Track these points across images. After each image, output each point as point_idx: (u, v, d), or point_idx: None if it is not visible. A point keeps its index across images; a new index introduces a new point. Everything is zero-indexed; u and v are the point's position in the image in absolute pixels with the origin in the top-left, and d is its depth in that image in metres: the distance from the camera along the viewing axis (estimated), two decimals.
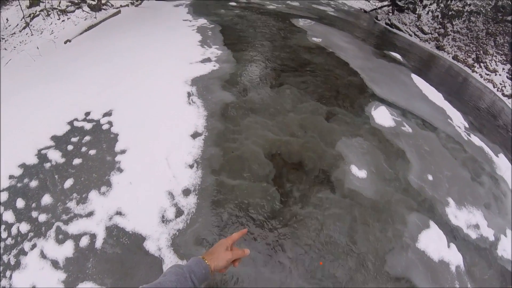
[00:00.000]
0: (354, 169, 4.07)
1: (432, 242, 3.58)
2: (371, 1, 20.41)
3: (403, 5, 15.83)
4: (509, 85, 10.81)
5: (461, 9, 13.84)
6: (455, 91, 8.80)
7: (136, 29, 8.52)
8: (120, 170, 3.75)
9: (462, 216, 4.13)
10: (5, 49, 8.22)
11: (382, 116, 5.38)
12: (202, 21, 9.31)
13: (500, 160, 5.87)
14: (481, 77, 11.53)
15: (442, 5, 14.56)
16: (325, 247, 3.23)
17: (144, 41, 7.42)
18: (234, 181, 3.70)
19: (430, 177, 4.46)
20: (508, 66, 11.32)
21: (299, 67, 6.65)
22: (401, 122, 5.39)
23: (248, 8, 11.82)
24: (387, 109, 5.62)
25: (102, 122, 4.50)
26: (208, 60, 6.42)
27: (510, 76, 11.06)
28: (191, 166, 3.83)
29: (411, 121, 5.60)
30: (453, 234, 3.82)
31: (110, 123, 4.48)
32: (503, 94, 10.60)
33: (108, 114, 4.65)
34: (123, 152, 4.00)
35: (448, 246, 3.67)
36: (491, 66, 11.69)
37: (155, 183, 3.63)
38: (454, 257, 3.57)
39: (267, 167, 3.93)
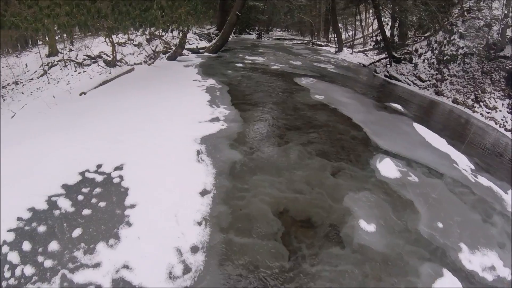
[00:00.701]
0: (363, 224, 4.22)
1: None
2: (369, 55, 21.47)
3: (399, 56, 16.66)
4: (510, 119, 11.00)
5: (455, 53, 14.48)
6: (458, 134, 9.01)
7: (148, 87, 9.10)
8: (129, 224, 3.88)
9: (476, 260, 4.16)
10: (22, 93, 8.77)
11: (387, 168, 5.58)
12: (210, 81, 9.89)
13: (510, 197, 5.93)
14: (482, 116, 11.78)
15: (436, 52, 15.28)
16: None
17: (155, 99, 7.92)
18: (242, 239, 3.83)
19: (440, 225, 4.55)
20: (507, 101, 11.58)
21: (303, 125, 7.02)
22: (407, 172, 5.58)
23: (254, 68, 12.60)
24: (392, 161, 5.83)
25: (113, 176, 4.72)
26: (216, 119, 6.83)
27: (511, 111, 11.29)
28: (199, 224, 3.98)
29: (417, 170, 5.79)
30: (468, 279, 3.84)
31: (121, 177, 4.70)
32: (505, 129, 10.75)
33: (119, 168, 4.90)
34: (132, 206, 4.16)
35: None
36: (491, 103, 11.98)
37: (163, 239, 3.73)
38: None
39: (275, 224, 4.11)
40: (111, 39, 11.19)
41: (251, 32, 33.45)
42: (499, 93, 11.97)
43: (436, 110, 11.48)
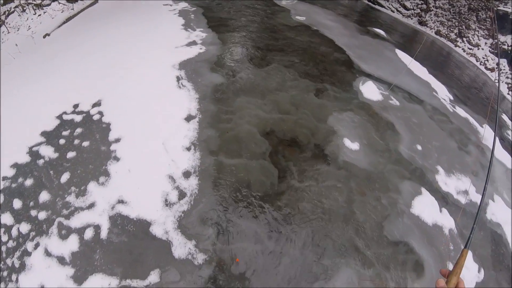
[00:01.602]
0: (347, 142, 4.14)
1: (426, 208, 3.71)
2: None
3: None
4: (491, 59, 11.00)
5: None
6: (439, 65, 8.93)
7: (116, 19, 8.34)
8: (116, 159, 3.73)
9: (451, 183, 4.27)
10: None
11: (370, 91, 5.44)
12: (183, 4, 9.10)
13: (485, 131, 6.03)
14: (464, 51, 11.69)
15: None
16: (325, 217, 3.31)
17: (125, 30, 7.29)
18: (232, 161, 3.74)
19: (419, 147, 4.57)
20: (490, 40, 11.49)
21: (285, 46, 6.62)
22: (389, 96, 5.48)
23: None
24: (375, 84, 5.69)
25: (92, 113, 4.44)
26: (193, 43, 6.33)
27: (493, 50, 11.24)
28: (188, 149, 3.84)
29: (398, 94, 5.69)
30: (444, 199, 3.95)
31: (100, 113, 4.43)
32: (486, 68, 10.79)
33: (97, 104, 4.59)
34: (117, 140, 3.97)
35: (440, 211, 3.81)
36: (474, 40, 11.85)
37: (154, 168, 3.62)
38: (446, 221, 3.71)
39: (263, 145, 3.96)
40: None
41: None
42: (483, 32, 11.80)
43: (419, 40, 11.23)
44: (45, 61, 6.27)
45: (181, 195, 3.37)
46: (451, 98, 6.76)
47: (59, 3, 9.83)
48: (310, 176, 3.66)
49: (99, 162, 3.69)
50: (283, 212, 3.29)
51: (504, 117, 7.69)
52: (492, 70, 10.76)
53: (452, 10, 13.18)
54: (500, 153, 5.69)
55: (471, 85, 8.51)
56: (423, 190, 3.90)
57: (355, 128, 4.43)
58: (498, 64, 10.65)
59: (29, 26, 8.87)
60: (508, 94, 9.61)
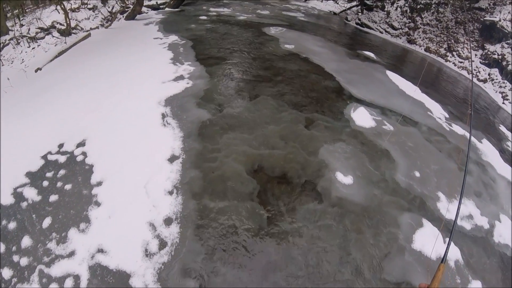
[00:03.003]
0: (340, 176, 3.97)
1: (428, 240, 3.48)
2: (339, 3, 20.72)
3: (371, 3, 16.08)
4: (483, 70, 10.99)
5: (429, 1, 14.11)
6: (431, 82, 8.87)
7: (106, 53, 8.36)
8: (97, 204, 3.60)
9: (454, 209, 4.04)
10: None
11: (362, 117, 5.33)
12: (173, 37, 9.17)
13: (484, 146, 5.89)
14: (455, 65, 11.72)
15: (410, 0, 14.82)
16: (319, 262, 3.10)
17: (115, 64, 7.26)
18: (217, 204, 3.56)
19: (417, 174, 4.40)
20: (480, 51, 11.52)
21: (274, 76, 6.57)
22: (382, 121, 5.35)
23: (219, 20, 11.80)
24: (366, 110, 5.58)
25: (76, 154, 4.35)
26: (181, 77, 6.27)
27: (483, 61, 11.25)
28: (170, 193, 3.68)
29: (391, 118, 5.57)
30: (447, 228, 3.73)
31: (84, 153, 4.33)
32: (478, 79, 10.76)
33: (81, 144, 4.50)
34: (99, 184, 3.85)
35: (444, 242, 3.58)
36: (464, 53, 11.90)
37: (135, 214, 3.46)
38: (451, 252, 3.48)
39: (250, 184, 3.80)
40: (62, 6, 10.01)
41: None
42: (472, 44, 11.85)
43: (409, 58, 11.29)
44: (34, 96, 6.23)
45: (162, 244, 3.19)
46: (447, 116, 6.63)
47: (53, 36, 9.96)
48: (302, 217, 3.47)
49: (80, 207, 3.58)
50: (273, 259, 3.09)
51: (503, 128, 7.54)
52: (484, 81, 10.73)
53: (440, 25, 13.34)
54: (501, 167, 5.49)
55: (465, 100, 8.41)
56: (424, 221, 3.70)
57: (347, 160, 4.27)
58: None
59: (23, 59, 8.91)
60: (503, 103, 9.51)
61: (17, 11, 10.77)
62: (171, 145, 4.37)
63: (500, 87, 10.14)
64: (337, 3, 20.83)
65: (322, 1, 21.78)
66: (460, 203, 2.70)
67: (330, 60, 8.14)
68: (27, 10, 12.00)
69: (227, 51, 8.00)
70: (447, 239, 3.57)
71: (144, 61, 7.33)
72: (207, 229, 3.31)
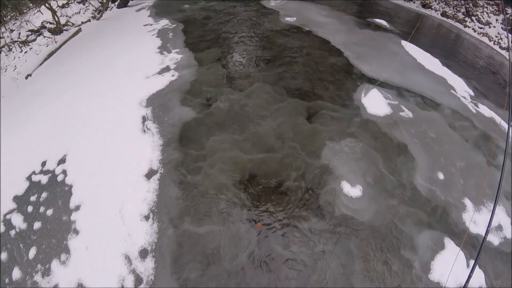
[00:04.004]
0: (346, 187, 3.27)
1: (448, 267, 2.81)
2: None
3: None
4: (505, 36, 9.88)
5: None
6: (451, 52, 7.91)
7: (94, 48, 7.76)
8: (76, 231, 3.33)
9: (482, 220, 3.39)
10: None
11: (375, 103, 4.54)
12: (163, 22, 8.45)
13: None
14: (475, 31, 10.58)
15: None
16: None
17: (100, 62, 6.69)
18: (199, 228, 3.00)
19: (440, 176, 3.68)
20: (502, 16, 10.34)
21: (273, 57, 5.76)
22: (398, 106, 4.56)
23: None
24: (380, 92, 4.78)
25: (57, 172, 4.07)
26: (166, 69, 5.59)
27: (505, 27, 10.10)
28: (146, 218, 3.17)
29: (410, 101, 4.77)
30: (473, 245, 3.05)
31: (64, 172, 4.01)
32: (500, 47, 9.70)
33: (62, 161, 4.16)
34: (77, 208, 3.54)
35: (467, 265, 2.92)
36: (483, 18, 10.71)
37: (110, 245, 3.11)
38: (475, 277, 2.82)
39: (239, 200, 3.16)
40: (47, 5, 9.29)
41: None
42: (492, 8, 10.61)
43: (425, 25, 10.18)
44: (22, 107, 5.92)
45: (138, 280, 2.78)
46: (472, 93, 5.79)
47: (44, 36, 9.48)
48: (299, 240, 2.87)
49: (60, 235, 3.34)
50: None
51: None
52: (507, 49, 9.66)
53: None
54: None
55: (488, 71, 7.50)
56: (446, 240, 3.04)
57: (356, 162, 3.54)
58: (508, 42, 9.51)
59: (15, 66, 8.62)
60: None
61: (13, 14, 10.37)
62: (149, 157, 3.77)
63: None
64: None
65: None
66: (490, 222, 2.05)
67: (337, 31, 7.21)
68: (12, 15, 11.53)
69: (220, 32, 7.15)
70: (472, 261, 2.91)
71: (130, 53, 6.69)
72: (187, 260, 2.81)
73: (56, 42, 8.94)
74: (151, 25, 8.41)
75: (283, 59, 5.71)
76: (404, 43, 7.16)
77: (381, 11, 10.36)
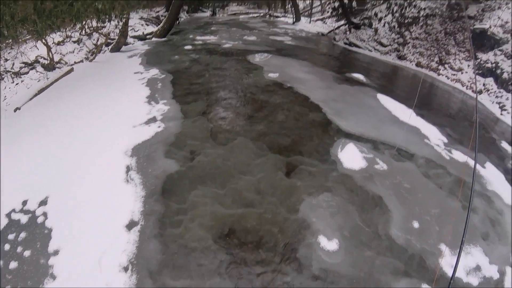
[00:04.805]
0: (323, 241, 3.40)
1: None
2: (327, 23, 20.58)
3: (358, 22, 15.84)
4: (478, 81, 10.50)
5: (416, 15, 13.80)
6: (426, 101, 8.38)
7: (84, 90, 7.95)
8: (53, 276, 3.21)
9: (459, 263, 3.47)
10: None
11: (351, 157, 4.80)
12: (153, 71, 8.81)
13: (488, 171, 5.32)
14: (448, 78, 11.24)
15: (397, 14, 14.55)
16: None
17: (90, 104, 6.85)
18: (177, 282, 3.02)
19: (415, 224, 3.83)
20: (473, 61, 11.06)
21: (254, 113, 6.10)
22: (374, 159, 4.82)
23: (204, 50, 11.53)
24: (356, 146, 5.06)
25: (37, 214, 3.99)
26: (153, 120, 5.81)
27: (477, 71, 10.77)
28: (125, 269, 3.16)
29: (385, 153, 5.04)
30: None
31: (45, 214, 3.94)
32: (472, 91, 10.29)
33: (44, 202, 4.11)
34: (56, 253, 3.44)
35: None
36: (456, 65, 11.43)
37: None
38: None
39: (218, 255, 3.24)
40: (44, 41, 9.75)
41: (205, 10, 31.79)
42: (464, 54, 11.42)
43: (400, 76, 10.85)
44: (8, 142, 5.85)
45: None
46: (445, 140, 6.09)
47: (37, 71, 9.66)
48: None
49: (37, 278, 3.21)
50: None
51: (504, 144, 6.96)
52: (480, 92, 10.22)
53: (429, 38, 12.96)
54: (508, 193, 4.91)
55: (462, 116, 7.91)
56: (424, 286, 3.12)
57: (333, 216, 3.71)
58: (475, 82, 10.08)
59: (5, 96, 8.57)
60: (501, 114, 8.99)
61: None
62: (131, 207, 3.85)
63: (497, 97, 9.61)
64: (325, 23, 20.71)
65: (310, 23, 21.73)
66: (457, 263, 2.19)
67: (316, 88, 7.68)
68: (8, 43, 11.85)
69: (206, 86, 7.59)
70: None
71: (119, 100, 6.92)
72: None
73: (47, 78, 9.08)
74: (141, 73, 8.74)
75: (265, 115, 6.02)
76: (380, 96, 7.59)
77: (359, 65, 10.99)
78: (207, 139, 5.15)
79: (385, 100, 7.42)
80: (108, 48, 12.20)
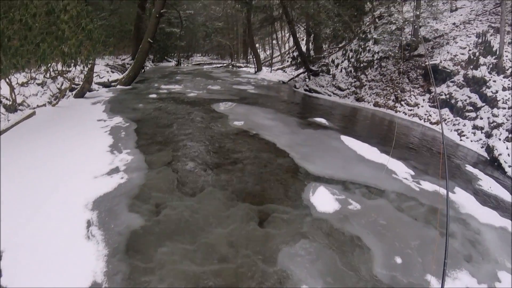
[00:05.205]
0: None
1: None
2: (287, 72, 21.53)
3: (317, 69, 16.68)
4: (433, 113, 11.11)
5: (370, 58, 14.75)
6: (387, 138, 8.66)
7: (45, 136, 7.49)
8: None
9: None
10: None
11: (323, 200, 4.71)
12: (117, 119, 8.54)
13: (458, 196, 5.42)
14: (405, 114, 11.85)
15: (352, 60, 15.48)
16: None
17: (49, 152, 6.40)
18: None
19: (398, 260, 3.71)
20: (427, 95, 11.76)
21: (222, 161, 5.96)
22: (346, 200, 4.75)
23: (169, 99, 11.50)
24: (327, 189, 5.00)
25: None
26: (116, 170, 5.46)
27: (432, 104, 11.42)
28: None
29: (356, 193, 5.00)
30: None
31: None
32: (430, 123, 10.86)
33: None
34: None
35: None
36: (412, 101, 12.11)
37: None
38: None
39: None
40: (7, 80, 9.26)
41: (170, 60, 32.54)
42: (418, 90, 12.21)
43: (360, 117, 11.26)
44: None
45: None
46: (412, 173, 6.21)
47: None
48: None
49: None
50: None
51: (469, 167, 7.19)
52: (437, 123, 10.77)
53: (384, 79, 13.75)
54: (481, 213, 5.04)
55: (424, 147, 8.21)
56: None
57: (313, 263, 3.50)
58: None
59: None
60: (461, 140, 9.45)
61: None
62: (93, 267, 3.42)
63: (454, 125, 10.17)
64: (285, 72, 21.67)
65: (271, 72, 22.65)
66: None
67: (281, 133, 7.74)
68: None
69: (171, 135, 7.41)
70: None
71: (80, 148, 6.53)
72: None
73: (8, 120, 8.49)
74: (104, 121, 8.44)
75: (232, 163, 5.89)
76: (343, 137, 7.75)
77: (320, 110, 11.33)
78: (173, 191, 4.87)
79: (349, 141, 7.57)
80: (72, 94, 11.89)
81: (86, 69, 11.61)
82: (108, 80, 14.67)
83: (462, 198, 5.34)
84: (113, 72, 17.02)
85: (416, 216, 4.67)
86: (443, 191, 5.51)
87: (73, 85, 12.36)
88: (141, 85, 14.90)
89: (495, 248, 4.23)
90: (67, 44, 8.57)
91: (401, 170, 6.26)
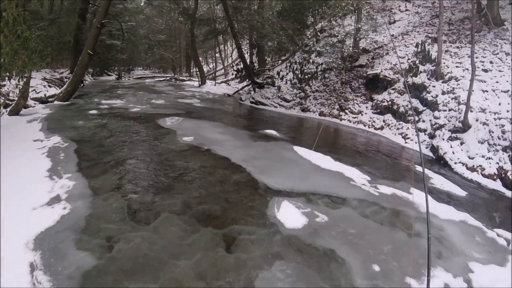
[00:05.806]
0: None
1: None
2: (232, 85, 21.45)
3: (262, 81, 16.76)
4: (377, 119, 11.60)
5: (314, 70, 15.15)
6: (337, 146, 8.81)
7: None
8: None
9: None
10: None
11: (289, 215, 4.49)
12: (55, 139, 7.58)
13: (415, 196, 5.47)
14: (350, 122, 12.24)
15: (297, 72, 15.78)
16: None
17: None
18: None
19: (376, 267, 3.60)
20: (370, 103, 12.27)
21: (175, 182, 5.46)
22: (312, 212, 4.58)
23: (110, 115, 10.63)
24: (290, 203, 4.81)
25: None
26: (57, 199, 4.69)
27: (375, 111, 11.93)
28: None
29: (319, 204, 4.88)
30: None
31: None
32: (375, 128, 11.33)
33: None
34: None
35: None
36: (355, 109, 12.56)
37: None
38: None
39: None
40: None
41: (110, 73, 30.84)
42: (361, 98, 12.76)
43: (308, 127, 11.40)
44: None
45: None
46: (368, 178, 6.29)
47: None
48: None
49: None
50: None
51: (418, 168, 7.51)
52: (381, 128, 11.25)
53: (328, 89, 14.18)
54: (440, 210, 5.23)
55: (372, 152, 8.51)
56: None
57: (293, 284, 3.21)
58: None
59: None
60: (406, 143, 9.94)
61: None
62: None
63: (398, 129, 10.71)
64: (230, 85, 21.57)
65: (215, 85, 22.46)
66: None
67: (234, 148, 7.45)
68: None
69: (116, 155, 6.67)
70: None
71: (15, 174, 5.58)
72: None
73: None
74: (41, 141, 7.45)
75: (186, 182, 5.46)
76: (296, 148, 7.67)
77: (269, 122, 11.29)
78: (125, 220, 4.27)
79: (302, 151, 7.51)
80: (6, 111, 10.55)
81: (21, 82, 10.44)
82: (45, 95, 13.26)
83: (419, 198, 5.40)
84: (50, 86, 15.44)
85: (382, 221, 4.65)
86: (400, 193, 5.60)
87: (7, 101, 10.99)
88: (80, 100, 13.78)
89: (461, 242, 4.36)
90: (0, 54, 7.51)
91: (357, 176, 6.30)
